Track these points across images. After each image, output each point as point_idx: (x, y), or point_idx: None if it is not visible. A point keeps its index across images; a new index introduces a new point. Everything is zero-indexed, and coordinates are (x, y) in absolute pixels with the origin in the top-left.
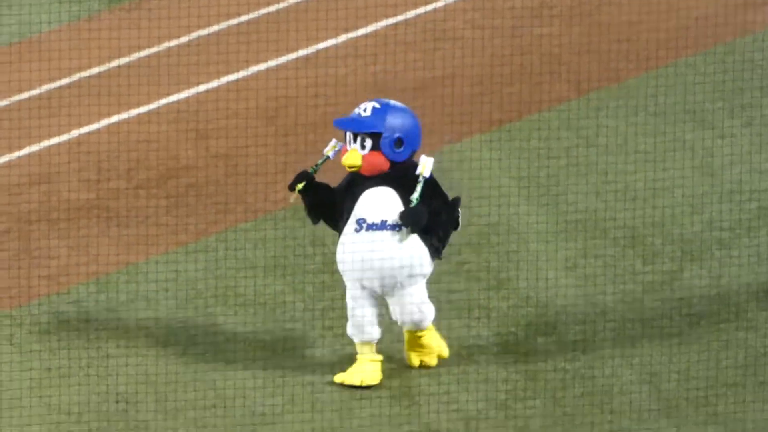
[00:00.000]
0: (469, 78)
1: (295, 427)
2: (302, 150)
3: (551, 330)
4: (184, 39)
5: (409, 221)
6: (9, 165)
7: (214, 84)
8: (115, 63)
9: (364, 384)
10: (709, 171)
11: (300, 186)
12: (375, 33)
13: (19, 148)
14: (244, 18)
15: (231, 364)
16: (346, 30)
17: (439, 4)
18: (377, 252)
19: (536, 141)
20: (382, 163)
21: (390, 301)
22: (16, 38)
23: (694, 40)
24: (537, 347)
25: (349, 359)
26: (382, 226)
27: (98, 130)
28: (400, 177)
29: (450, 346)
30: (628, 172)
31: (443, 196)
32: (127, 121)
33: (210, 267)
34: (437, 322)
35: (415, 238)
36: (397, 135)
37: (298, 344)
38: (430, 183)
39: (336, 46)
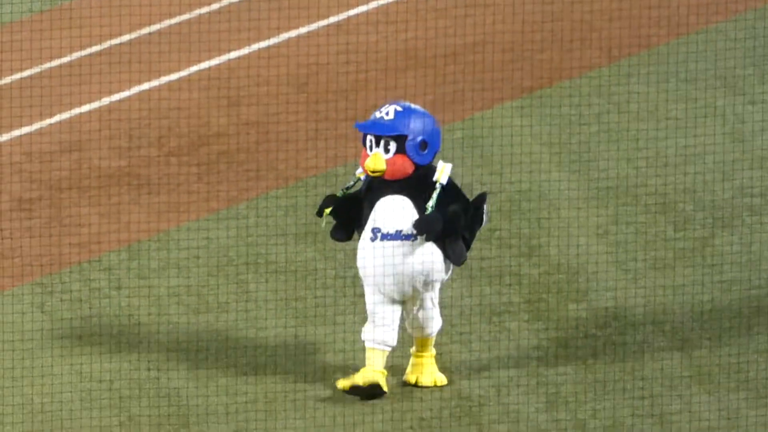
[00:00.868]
0: (500, 45)
1: (327, 393)
2: (333, 117)
3: (582, 297)
4: (215, 6)
5: (423, 229)
6: (40, 132)
7: (245, 51)
8: (146, 30)
9: (365, 384)
10: (740, 137)
11: (328, 211)
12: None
13: (50, 115)
14: None
15: (262, 331)
16: None
17: None
18: (393, 261)
19: (567, 108)
20: (406, 166)
21: (405, 305)
22: (47, 6)
23: (724, 6)
24: (568, 314)
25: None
26: (397, 236)
27: (129, 98)
28: (418, 184)
29: (481, 313)
30: (659, 138)
31: (463, 200)
32: (158, 89)
33: (241, 234)
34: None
35: (430, 246)
36: (420, 138)
37: (329, 311)
38: (449, 188)
39: (367, 12)
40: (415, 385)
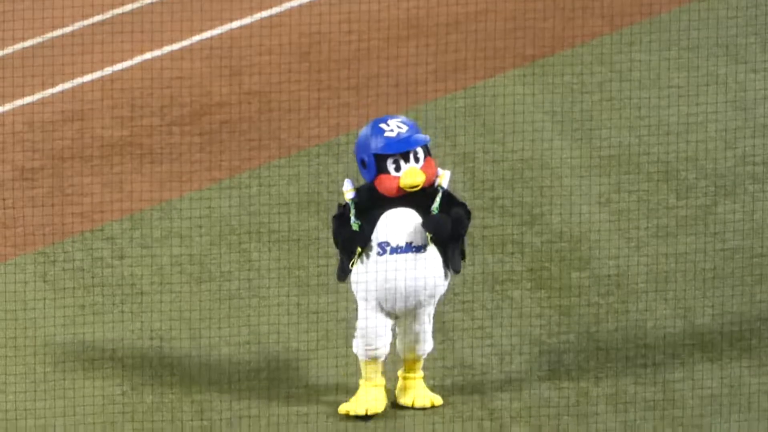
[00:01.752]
0: (502, 13)
1: (329, 362)
2: (335, 86)
3: (585, 265)
4: None
5: (431, 228)
6: (42, 102)
7: (247, 20)
8: (148, 0)
9: (369, 413)
10: (742, 105)
11: (360, 256)
12: None
13: (53, 85)
14: None
15: (265, 300)
16: None
17: None
18: (403, 275)
19: (569, 76)
20: (436, 167)
21: (400, 321)
22: None
23: None
24: (571, 282)
25: None
26: (407, 248)
27: (131, 67)
28: (421, 192)
29: (483, 281)
30: (661, 106)
31: (462, 204)
32: (160, 58)
33: (243, 203)
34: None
35: (435, 258)
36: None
37: (332, 280)
38: (447, 194)
39: None
40: (412, 408)
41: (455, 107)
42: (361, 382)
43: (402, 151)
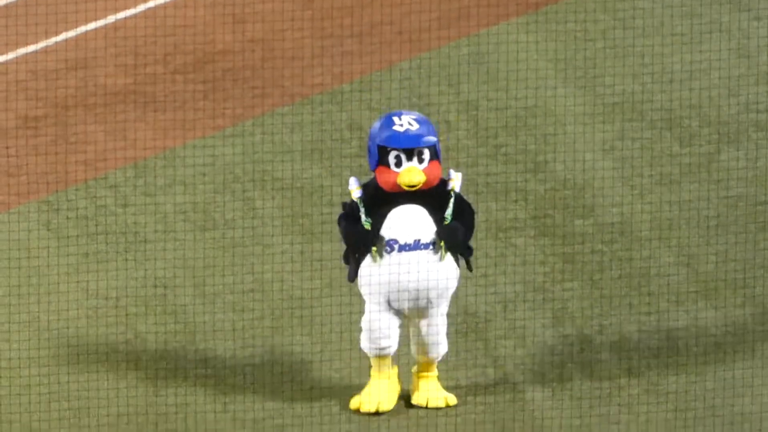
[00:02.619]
0: None
1: (333, 310)
2: (338, 34)
3: (588, 212)
4: None
5: (446, 237)
6: (45, 50)
7: None
8: None
9: (381, 410)
10: (746, 53)
11: (375, 254)
12: None
13: (56, 33)
14: None
15: (269, 248)
16: None
17: None
18: (412, 273)
19: (573, 24)
20: (439, 173)
21: (413, 322)
22: None
23: None
24: (574, 230)
25: None
26: (416, 246)
27: (135, 15)
28: (431, 191)
29: (487, 229)
30: (664, 54)
31: (470, 207)
32: (163, 6)
33: (247, 151)
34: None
35: (447, 255)
36: (438, 144)
37: (335, 228)
38: (459, 197)
39: None
40: (426, 407)
41: (459, 55)
42: (373, 372)
43: (404, 147)
